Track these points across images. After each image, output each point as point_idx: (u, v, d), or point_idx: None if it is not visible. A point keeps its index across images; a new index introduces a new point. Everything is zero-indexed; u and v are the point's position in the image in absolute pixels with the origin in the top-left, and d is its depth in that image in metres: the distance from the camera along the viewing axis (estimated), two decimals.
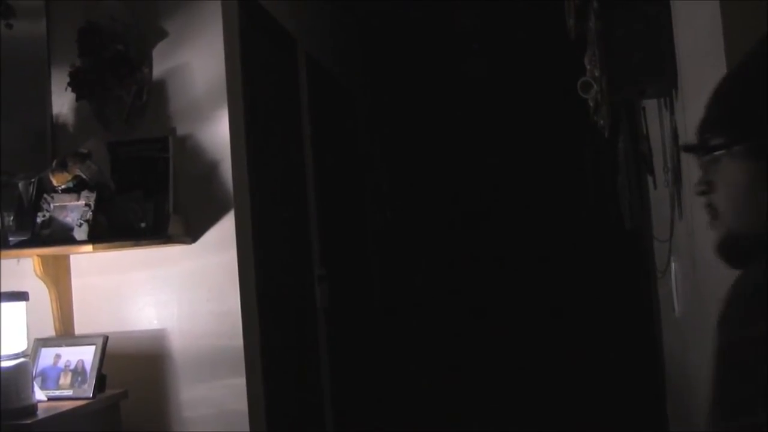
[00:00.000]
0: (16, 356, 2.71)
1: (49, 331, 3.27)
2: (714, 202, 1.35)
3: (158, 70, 3.47)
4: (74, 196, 3.14)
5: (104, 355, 3.09)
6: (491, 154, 7.94)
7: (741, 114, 1.29)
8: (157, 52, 3.48)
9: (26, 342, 2.82)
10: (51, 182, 3.18)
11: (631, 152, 3.86)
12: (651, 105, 3.45)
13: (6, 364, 2.66)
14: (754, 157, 1.25)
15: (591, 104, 3.30)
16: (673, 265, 3.37)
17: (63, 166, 3.16)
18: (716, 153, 1.31)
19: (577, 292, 7.23)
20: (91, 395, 2.98)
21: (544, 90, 7.18)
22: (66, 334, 3.28)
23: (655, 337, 4.35)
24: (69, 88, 3.37)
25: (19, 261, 3.24)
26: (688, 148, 1.44)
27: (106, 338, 3.12)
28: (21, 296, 2.84)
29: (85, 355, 3.08)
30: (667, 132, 3.10)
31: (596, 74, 3.09)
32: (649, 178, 3.73)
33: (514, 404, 6.45)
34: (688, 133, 2.69)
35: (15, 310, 2.78)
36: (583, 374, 6.42)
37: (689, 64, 2.63)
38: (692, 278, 2.93)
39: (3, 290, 2.84)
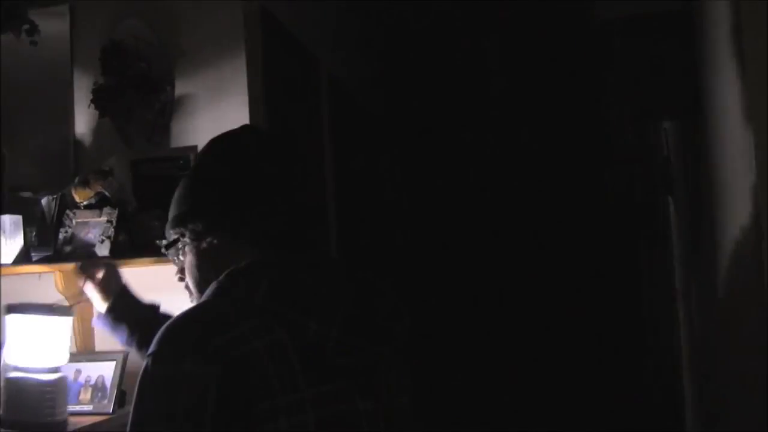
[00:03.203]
0: (58, 369, 2.69)
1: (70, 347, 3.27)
2: (187, 283, 1.78)
3: (181, 88, 3.49)
4: (96, 212, 3.15)
5: (124, 371, 3.08)
6: (511, 172, 7.91)
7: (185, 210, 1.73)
8: (179, 71, 3.50)
9: (68, 356, 2.79)
10: (73, 198, 3.19)
11: (653, 174, 3.85)
12: (673, 127, 3.45)
13: (49, 377, 2.65)
14: (195, 241, 1.70)
15: (613, 127, 3.30)
16: (694, 287, 3.36)
17: (85, 183, 3.18)
18: (178, 244, 1.75)
19: (593, 314, 7.17)
20: (111, 411, 2.98)
21: (566, 111, 7.17)
22: (86, 350, 3.28)
23: (675, 360, 4.32)
24: (92, 106, 3.40)
25: (40, 276, 3.25)
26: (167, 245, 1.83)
27: (126, 354, 3.12)
28: (67, 311, 2.81)
29: (106, 371, 3.08)
30: (689, 154, 3.09)
31: (619, 97, 3.09)
32: (670, 200, 3.72)
33: None
34: (710, 155, 2.68)
35: (63, 324, 2.76)
36: (601, 400, 6.36)
37: (712, 87, 2.63)
38: (714, 301, 2.91)
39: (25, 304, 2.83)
